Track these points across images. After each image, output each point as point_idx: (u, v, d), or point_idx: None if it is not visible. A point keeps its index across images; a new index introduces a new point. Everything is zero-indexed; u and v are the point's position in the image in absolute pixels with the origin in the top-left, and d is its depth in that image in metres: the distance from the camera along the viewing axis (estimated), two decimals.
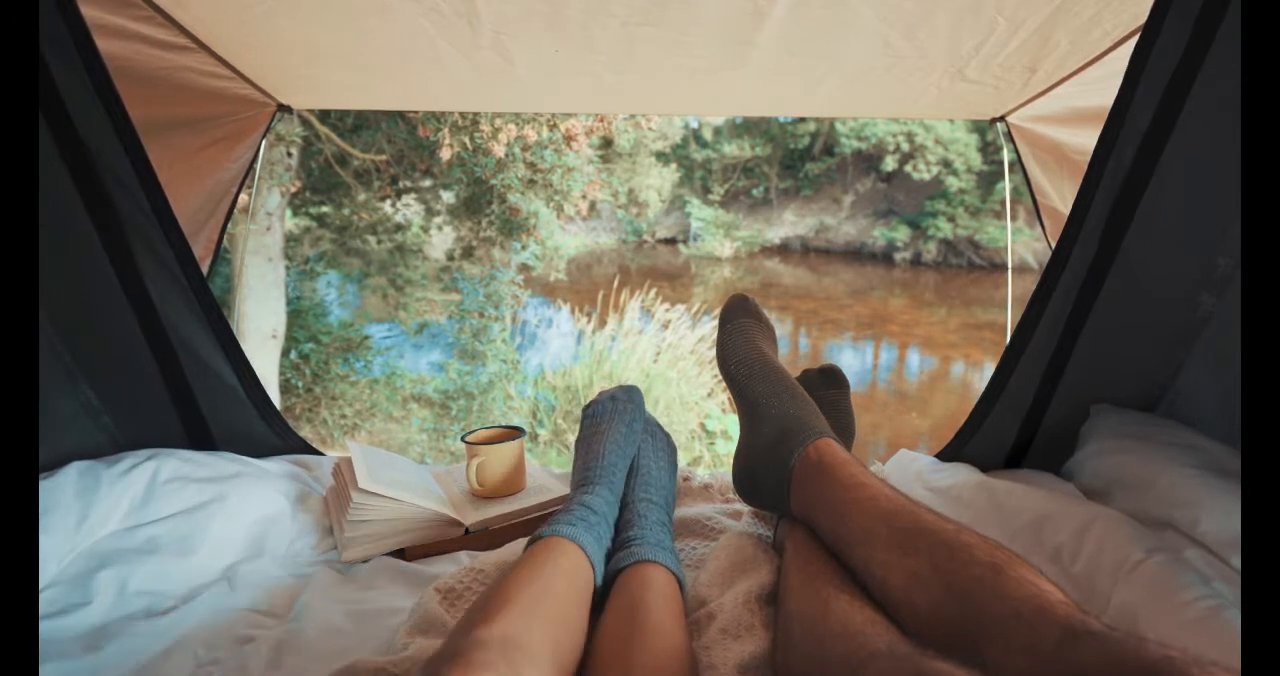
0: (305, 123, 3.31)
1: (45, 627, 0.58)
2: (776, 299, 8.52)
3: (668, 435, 0.85)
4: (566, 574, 0.55)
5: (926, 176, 9.75)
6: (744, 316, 0.80)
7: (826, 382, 0.85)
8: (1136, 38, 0.64)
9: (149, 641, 0.58)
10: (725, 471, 0.92)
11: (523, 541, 0.67)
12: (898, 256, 10.75)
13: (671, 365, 3.66)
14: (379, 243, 4.51)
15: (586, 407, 0.83)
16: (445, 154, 3.01)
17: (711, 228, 11.84)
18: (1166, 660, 0.33)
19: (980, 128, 7.91)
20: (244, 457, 0.88)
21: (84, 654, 0.56)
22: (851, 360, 6.38)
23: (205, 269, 1.14)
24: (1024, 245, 5.70)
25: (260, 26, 0.97)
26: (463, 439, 0.87)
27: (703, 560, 0.71)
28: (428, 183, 4.31)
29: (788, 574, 0.58)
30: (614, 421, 0.78)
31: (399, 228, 4.52)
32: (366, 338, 4.15)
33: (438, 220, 4.52)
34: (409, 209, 4.54)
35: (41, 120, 0.65)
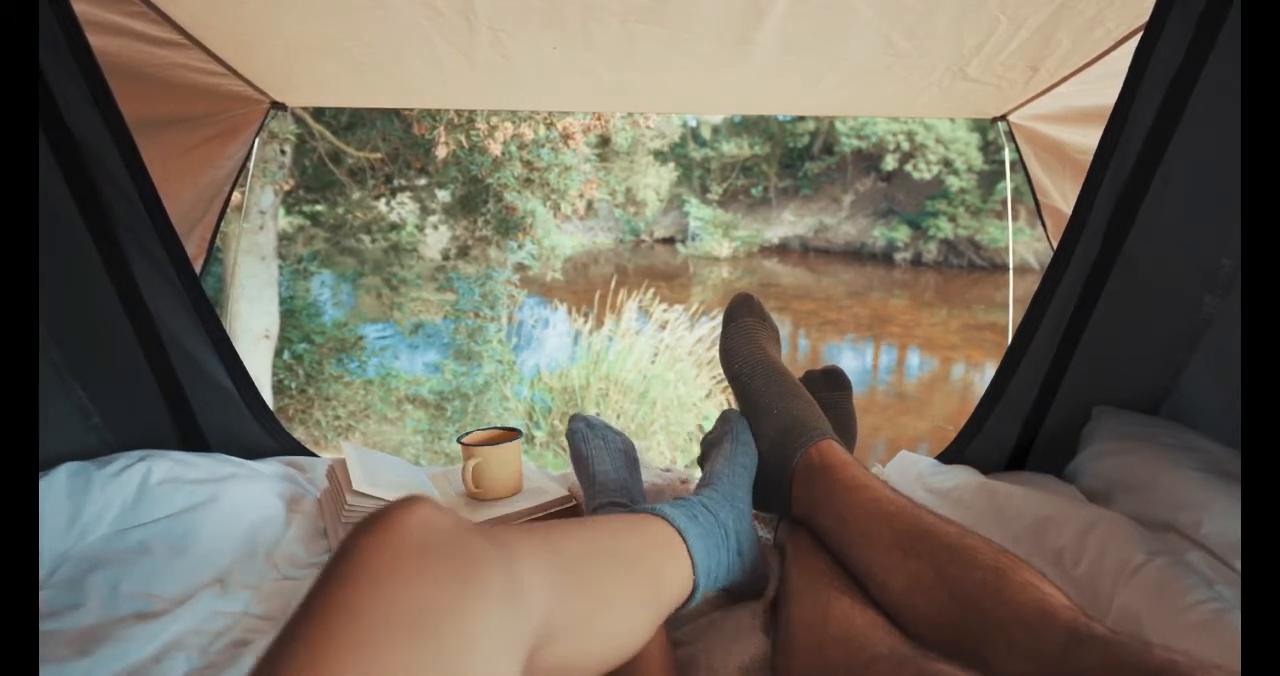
0: (299, 120, 3.30)
1: None
2: (775, 299, 8.52)
3: (620, 434, 0.83)
4: (636, 536, 0.46)
5: (927, 176, 9.76)
6: (748, 316, 0.79)
7: (829, 384, 0.85)
8: (1139, 37, 0.64)
9: (140, 645, 0.57)
10: None
11: None
12: (898, 256, 10.76)
13: (669, 366, 3.66)
14: (373, 241, 4.49)
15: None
16: (441, 152, 2.99)
17: (710, 227, 11.84)
18: (1170, 664, 0.33)
19: (981, 127, 7.92)
20: (237, 459, 0.87)
21: (75, 657, 0.55)
22: (851, 361, 6.39)
23: (198, 268, 1.13)
24: (1025, 245, 5.71)
25: (255, 23, 0.96)
26: (459, 440, 0.86)
27: None
28: (423, 181, 4.29)
29: (788, 576, 0.58)
30: (725, 441, 0.71)
31: (394, 226, 4.51)
32: (361, 338, 4.13)
33: (433, 219, 4.51)
34: (404, 207, 4.52)
35: None
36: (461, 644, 0.27)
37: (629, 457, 0.78)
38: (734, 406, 0.76)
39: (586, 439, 0.77)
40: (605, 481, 0.73)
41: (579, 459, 0.77)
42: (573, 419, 0.81)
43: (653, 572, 0.46)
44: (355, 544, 0.29)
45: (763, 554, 0.61)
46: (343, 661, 0.24)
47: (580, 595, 0.38)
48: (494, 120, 2.99)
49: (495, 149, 3.04)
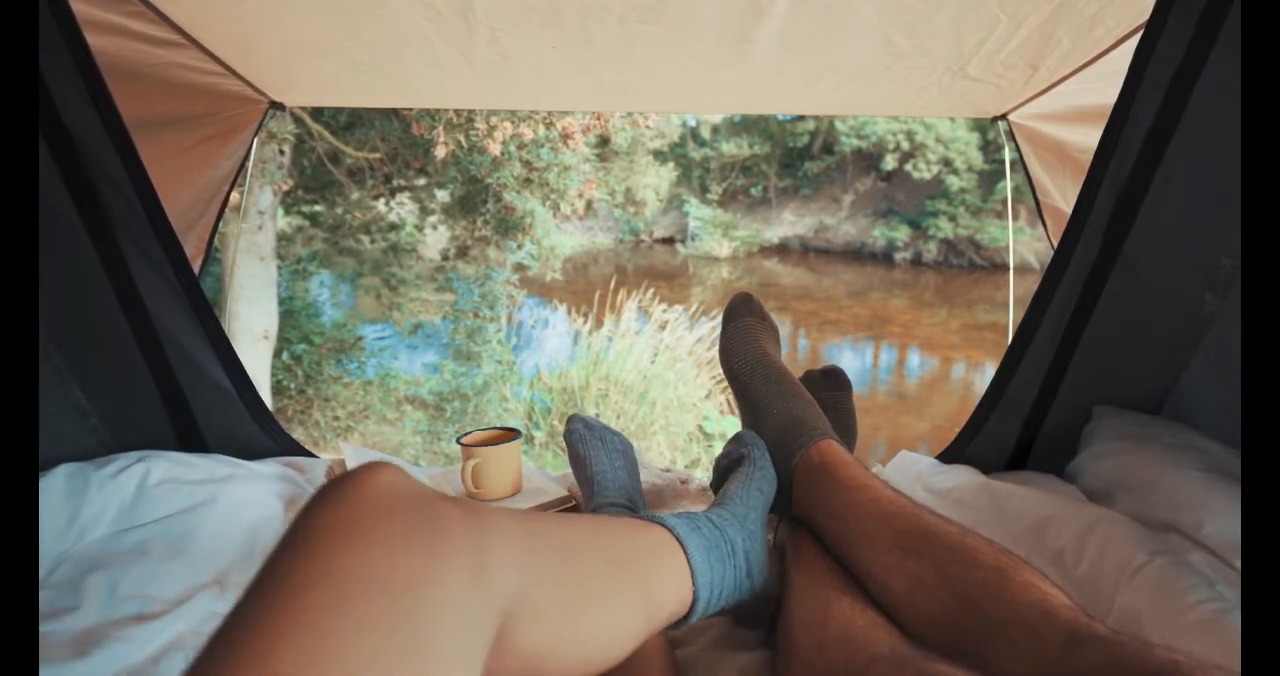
0: (298, 120, 3.29)
1: None
2: (775, 299, 8.51)
3: (619, 435, 0.82)
4: (634, 541, 0.45)
5: (927, 175, 9.76)
6: (748, 315, 0.79)
7: (829, 384, 0.85)
8: (1139, 36, 0.64)
9: (139, 646, 0.57)
10: None
11: None
12: (898, 256, 10.76)
13: (669, 366, 3.66)
14: (372, 242, 4.49)
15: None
16: (440, 152, 2.99)
17: (709, 227, 11.84)
18: (1172, 664, 0.33)
19: (981, 126, 7.92)
20: (235, 460, 0.86)
21: (72, 659, 0.55)
22: (851, 361, 6.38)
23: (196, 268, 1.13)
24: (1025, 245, 5.71)
25: (253, 22, 0.96)
26: (458, 441, 0.86)
27: None
28: (422, 181, 4.29)
29: (788, 577, 0.58)
30: (744, 465, 0.67)
31: (393, 227, 4.51)
32: (360, 338, 4.13)
33: (432, 219, 4.51)
34: (403, 207, 4.52)
35: None
36: (423, 614, 0.26)
37: (628, 459, 0.78)
38: (734, 406, 0.76)
39: (585, 440, 0.77)
40: (604, 482, 0.73)
41: (577, 460, 0.77)
42: (570, 420, 0.81)
43: (645, 575, 0.44)
44: (314, 509, 0.28)
45: (776, 582, 0.59)
46: (289, 640, 0.23)
47: (558, 581, 0.36)
48: (493, 120, 2.99)
49: (494, 149, 3.03)
